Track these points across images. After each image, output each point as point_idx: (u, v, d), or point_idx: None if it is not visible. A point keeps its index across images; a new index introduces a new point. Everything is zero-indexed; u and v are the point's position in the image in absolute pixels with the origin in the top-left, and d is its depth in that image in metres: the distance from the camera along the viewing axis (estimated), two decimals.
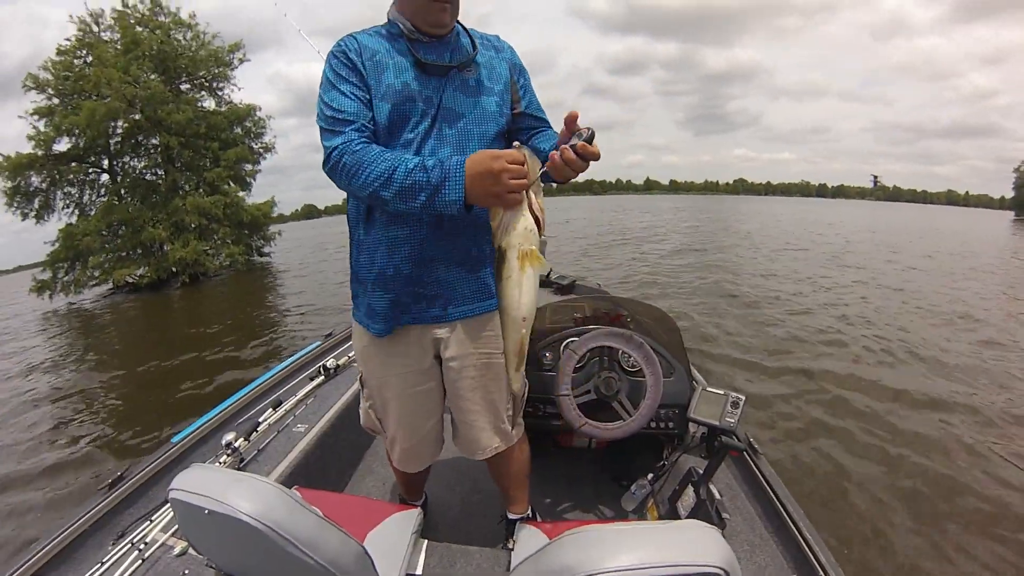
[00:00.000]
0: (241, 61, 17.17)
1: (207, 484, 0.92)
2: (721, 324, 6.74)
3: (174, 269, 14.71)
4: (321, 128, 1.12)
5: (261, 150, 17.97)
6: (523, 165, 0.98)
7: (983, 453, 3.47)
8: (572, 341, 1.69)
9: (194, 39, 16.25)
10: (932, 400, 4.33)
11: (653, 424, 1.69)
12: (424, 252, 1.19)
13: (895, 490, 3.08)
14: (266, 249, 18.59)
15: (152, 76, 15.10)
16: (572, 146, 1.00)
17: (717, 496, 1.52)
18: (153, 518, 1.44)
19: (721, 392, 1.60)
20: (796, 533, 1.41)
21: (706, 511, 1.47)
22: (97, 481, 3.67)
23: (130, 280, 14.69)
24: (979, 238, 20.97)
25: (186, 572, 1.28)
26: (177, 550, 1.34)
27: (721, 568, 0.69)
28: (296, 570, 1.00)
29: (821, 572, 1.27)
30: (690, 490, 1.57)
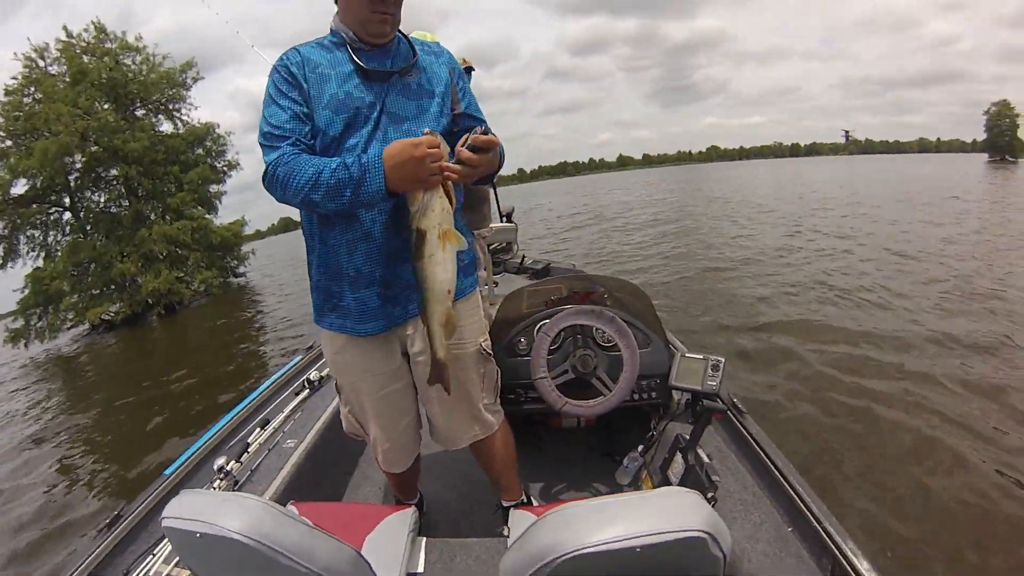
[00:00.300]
0: (195, 80, 16.72)
1: (196, 508, 0.93)
2: (699, 291, 6.86)
3: (149, 301, 14.34)
4: (260, 144, 1.17)
5: (225, 168, 17.60)
6: (439, 148, 1.05)
7: (961, 401, 3.58)
8: (544, 324, 1.69)
9: (144, 62, 15.77)
10: (905, 346, 4.48)
11: (636, 396, 1.70)
12: (381, 251, 1.23)
13: (879, 437, 3.18)
14: (241, 269, 18.27)
15: (105, 105, 14.68)
16: (466, 144, 1.10)
17: (706, 460, 1.54)
18: (155, 552, 1.43)
19: (700, 357, 1.61)
20: (788, 488, 1.43)
21: (696, 476, 1.49)
22: (95, 522, 3.64)
23: (105, 318, 14.29)
24: (955, 186, 20.66)
25: None
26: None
27: (704, 531, 0.70)
28: None
29: (815, 523, 1.29)
30: (679, 457, 1.60)
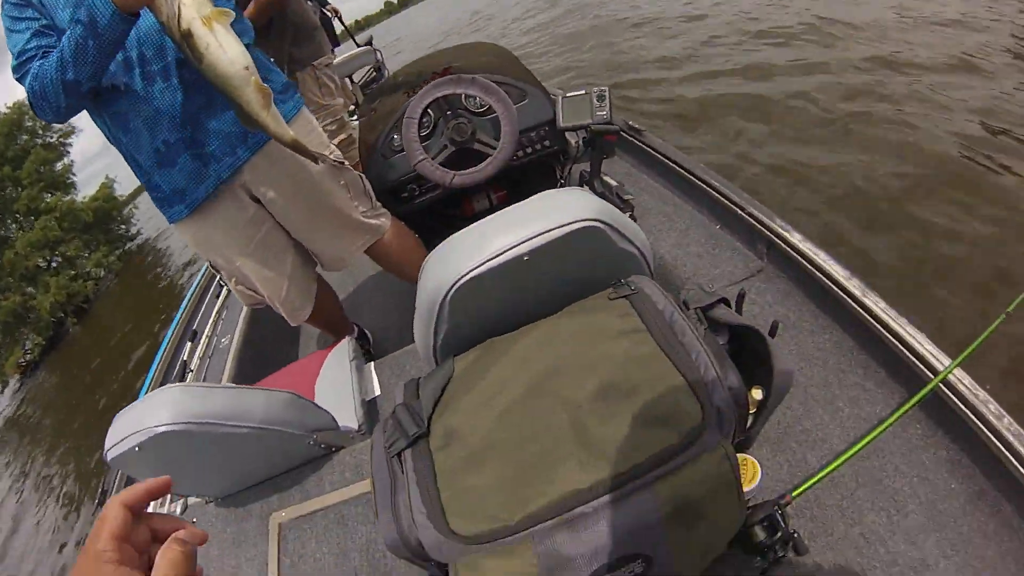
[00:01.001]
0: None
1: (122, 426, 0.92)
2: (588, 59, 6.79)
3: (61, 314, 13.03)
4: (16, 79, 1.14)
5: (60, 140, 15.27)
6: None
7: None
8: (406, 109, 1.60)
9: None
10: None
11: (529, 149, 1.67)
12: (180, 116, 1.19)
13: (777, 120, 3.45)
14: (132, 231, 16.86)
15: None
16: None
17: (613, 184, 1.53)
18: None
19: (583, 92, 1.53)
20: (707, 188, 1.45)
21: (609, 201, 1.48)
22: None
23: (26, 360, 12.97)
24: None
25: (194, 520, 1.27)
26: (178, 510, 1.33)
27: (595, 219, 0.67)
28: (249, 447, 1.03)
29: (741, 212, 1.31)
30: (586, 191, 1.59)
